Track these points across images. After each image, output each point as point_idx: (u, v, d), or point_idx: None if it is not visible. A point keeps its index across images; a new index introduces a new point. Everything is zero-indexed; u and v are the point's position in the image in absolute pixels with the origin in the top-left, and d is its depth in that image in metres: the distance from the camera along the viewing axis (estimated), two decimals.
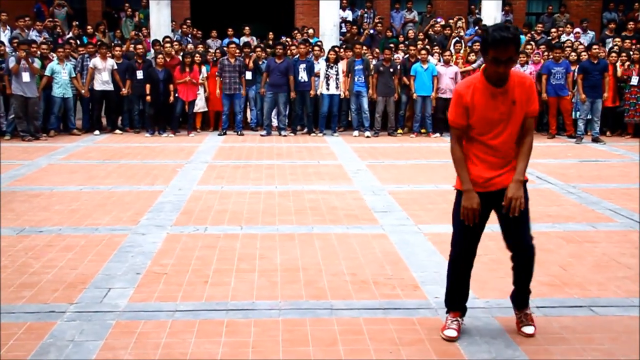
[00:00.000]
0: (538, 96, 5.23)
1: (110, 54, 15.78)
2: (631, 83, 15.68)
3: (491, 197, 4.63)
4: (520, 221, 4.64)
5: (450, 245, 4.82)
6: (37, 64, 14.55)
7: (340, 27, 21.26)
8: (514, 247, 4.75)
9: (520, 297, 4.87)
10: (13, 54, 14.51)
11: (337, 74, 15.94)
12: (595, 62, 15.47)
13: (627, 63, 15.94)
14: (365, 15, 22.60)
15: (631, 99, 15.74)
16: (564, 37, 19.45)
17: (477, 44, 17.46)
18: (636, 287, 5.85)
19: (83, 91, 15.47)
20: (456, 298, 4.80)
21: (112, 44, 16.83)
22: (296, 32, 19.89)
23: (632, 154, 13.43)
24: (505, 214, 4.60)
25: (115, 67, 15.63)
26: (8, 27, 18.48)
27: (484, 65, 4.60)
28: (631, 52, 16.19)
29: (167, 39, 16.79)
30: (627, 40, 17.87)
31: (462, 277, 4.79)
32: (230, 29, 19.22)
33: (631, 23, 21.13)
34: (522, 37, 16.51)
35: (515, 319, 4.91)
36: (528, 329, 4.79)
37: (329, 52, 16.27)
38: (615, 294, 5.71)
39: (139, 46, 16.04)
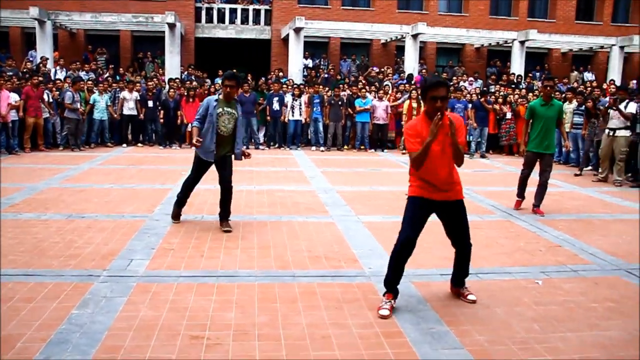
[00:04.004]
0: None
1: (135, 88, 15.66)
2: (506, 117, 15.96)
3: (435, 206, 4.58)
4: (463, 228, 4.68)
5: (396, 239, 4.68)
6: (81, 96, 14.65)
7: (303, 71, 21.30)
8: (458, 245, 4.76)
9: (460, 277, 4.86)
10: (69, 89, 14.43)
11: (300, 105, 15.99)
12: (484, 102, 15.77)
13: (505, 105, 16.24)
14: (321, 63, 22.66)
15: (506, 128, 16.02)
16: (462, 83, 19.69)
17: (402, 86, 17.63)
18: (507, 259, 5.95)
19: (115, 115, 15.38)
20: (393, 282, 4.62)
21: (135, 81, 16.72)
22: (274, 73, 19.85)
23: (508, 166, 13.62)
24: (453, 222, 4.65)
25: (138, 98, 15.54)
26: (64, 69, 18.31)
27: (424, 107, 4.53)
28: (507, 96, 16.51)
29: (174, 80, 16.90)
30: (503, 88, 18.24)
31: (401, 265, 4.61)
32: (220, 71, 19.22)
33: (505, 76, 21.54)
34: None
35: (451, 292, 4.91)
36: (472, 297, 4.76)
37: (294, 89, 16.32)
38: (494, 264, 5.79)
39: (150, 83, 15.99)
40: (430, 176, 4.49)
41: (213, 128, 6.61)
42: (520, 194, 8.50)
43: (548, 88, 8.14)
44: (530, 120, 8.27)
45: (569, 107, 13.60)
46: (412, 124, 4.58)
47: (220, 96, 6.75)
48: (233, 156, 6.88)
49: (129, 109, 15.41)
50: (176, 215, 7.10)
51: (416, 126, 4.51)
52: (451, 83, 19.39)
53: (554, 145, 8.37)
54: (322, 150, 15.84)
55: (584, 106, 13.32)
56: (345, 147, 16.41)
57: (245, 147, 15.17)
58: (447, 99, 4.42)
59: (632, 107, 11.27)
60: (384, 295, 4.64)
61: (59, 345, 3.76)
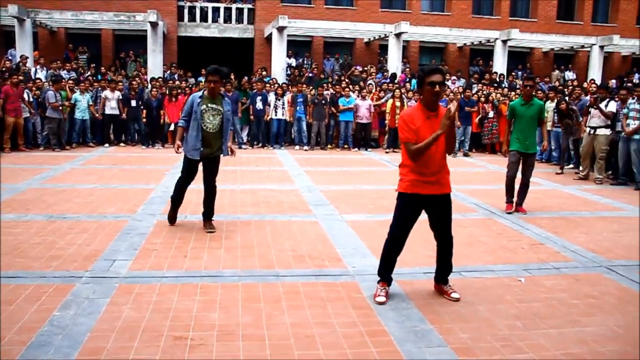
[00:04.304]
0: None
1: (117, 88, 15.53)
2: (488, 116, 16.07)
3: (425, 200, 4.61)
4: (447, 220, 4.73)
5: (388, 232, 4.76)
6: (62, 95, 14.46)
7: (287, 70, 21.27)
8: (441, 238, 4.80)
9: (444, 274, 4.89)
10: (50, 88, 14.28)
11: (283, 104, 15.97)
12: (467, 100, 15.86)
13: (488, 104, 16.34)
14: (305, 62, 22.64)
15: (488, 127, 16.13)
16: None
17: (385, 85, 17.67)
18: (490, 257, 5.99)
19: (97, 115, 15.25)
20: (386, 271, 4.76)
21: (117, 80, 16.59)
22: (257, 72, 19.79)
23: (490, 165, 13.72)
24: (437, 216, 4.70)
25: (120, 97, 15.42)
26: (45, 68, 18.12)
27: (419, 97, 4.63)
28: (490, 96, 16.62)
29: (156, 79, 16.78)
30: (486, 87, 18.37)
31: (393, 256, 4.74)
32: (203, 70, 19.12)
33: (487, 75, 21.68)
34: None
35: (435, 290, 4.93)
36: (455, 295, 4.78)
37: (277, 88, 16.31)
38: (477, 262, 5.83)
39: (134, 82, 15.87)
40: (425, 167, 4.52)
41: (198, 125, 6.54)
42: (509, 198, 8.36)
43: (528, 88, 8.14)
44: (512, 120, 8.30)
45: (551, 105, 13.72)
46: (408, 113, 4.60)
47: (205, 92, 6.66)
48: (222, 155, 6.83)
49: (111, 108, 15.29)
50: (171, 218, 6.97)
51: (412, 115, 4.55)
52: None
53: (536, 145, 8.36)
54: (306, 150, 15.83)
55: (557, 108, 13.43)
56: (329, 146, 16.41)
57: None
58: (444, 84, 4.50)
59: (612, 106, 11.42)
60: (378, 282, 4.78)
61: (40, 348, 3.72)
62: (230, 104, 6.86)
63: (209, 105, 6.60)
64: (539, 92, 15.89)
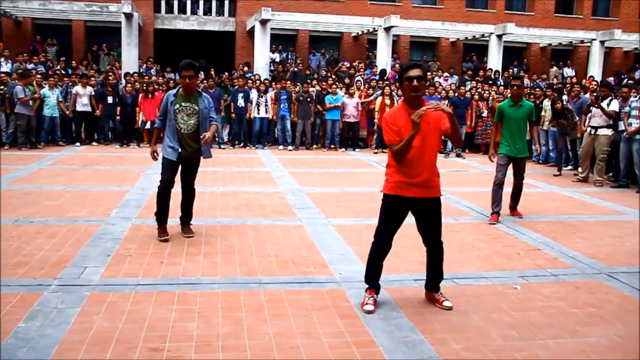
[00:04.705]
0: None
1: (89, 83, 15.42)
2: (482, 115, 16.17)
3: (412, 203, 4.63)
4: (436, 225, 4.75)
5: (373, 236, 4.80)
6: (30, 90, 14.29)
7: (270, 66, 21.26)
8: (430, 243, 4.82)
9: (435, 281, 4.90)
10: (17, 83, 14.11)
11: (266, 102, 15.97)
12: (462, 98, 15.97)
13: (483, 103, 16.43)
14: (289, 57, 22.65)
15: (482, 126, 16.24)
16: (436, 79, 19.85)
17: (374, 82, 17.72)
18: (484, 264, 6.02)
19: (67, 112, 15.14)
20: (374, 277, 4.78)
21: (90, 75, 16.47)
22: (239, 67, 19.75)
23: (484, 166, 13.80)
24: (424, 220, 4.72)
25: (93, 93, 15.32)
26: (10, 61, 17.94)
27: (403, 96, 4.66)
28: (483, 93, 16.72)
29: (130, 74, 16.69)
30: (480, 84, 18.49)
31: (380, 260, 4.77)
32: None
33: (481, 71, 21.81)
34: None
35: (426, 298, 4.94)
36: (447, 303, 4.79)
37: (260, 85, 16.29)
38: (470, 269, 5.85)
39: (111, 77, 15.77)
40: (411, 170, 4.53)
41: (172, 126, 6.43)
42: (495, 207, 8.01)
43: (515, 87, 8.01)
44: (500, 123, 8.12)
45: (548, 104, 13.80)
46: (390, 114, 4.65)
47: (180, 90, 6.52)
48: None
49: (83, 105, 15.19)
50: (161, 233, 6.53)
51: (394, 115, 4.59)
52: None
53: (526, 149, 8.16)
54: (290, 150, 15.83)
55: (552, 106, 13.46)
56: (315, 146, 16.42)
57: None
58: (424, 79, 4.51)
59: (615, 105, 11.45)
60: (365, 291, 4.79)
61: None
62: (209, 101, 6.67)
63: (183, 104, 6.43)
64: (537, 89, 16.04)
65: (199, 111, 6.50)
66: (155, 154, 6.72)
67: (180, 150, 6.45)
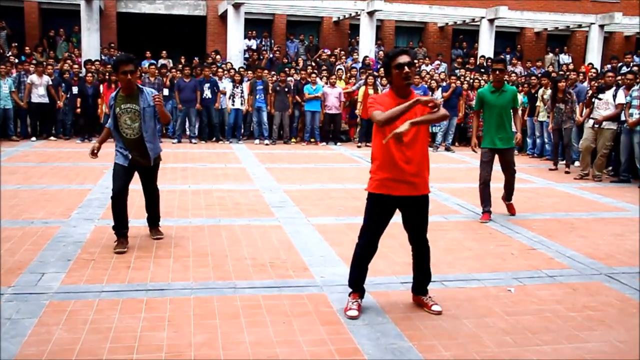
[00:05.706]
0: None
1: (45, 72, 15.26)
2: (473, 106, 16.22)
3: (398, 201, 4.64)
4: (422, 224, 4.79)
5: (357, 237, 4.82)
6: None
7: (245, 54, 21.19)
8: (416, 242, 4.84)
9: (423, 283, 4.92)
10: None
11: (241, 92, 15.93)
12: (455, 89, 16.04)
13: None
14: (265, 44, 22.59)
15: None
16: (423, 67, 19.91)
17: (354, 70, 17.74)
18: (475, 265, 6.06)
19: (22, 103, 14.94)
20: (358, 280, 4.79)
21: (45, 63, 16.28)
22: (212, 55, 19.63)
23: (475, 160, 13.83)
24: (410, 219, 4.75)
25: (50, 82, 15.17)
26: None
27: (389, 88, 4.67)
28: (473, 82, 16.82)
29: (91, 62, 16.50)
30: (470, 72, 18.59)
31: (365, 263, 4.79)
32: (148, 52, 19.00)
33: (472, 59, 21.93)
34: None
35: (413, 302, 4.95)
36: (437, 307, 4.81)
37: (234, 74, 16.23)
38: (460, 270, 5.89)
39: (75, 65, 15.60)
40: (398, 165, 4.52)
41: (119, 131, 6.18)
42: (486, 206, 8.01)
43: (498, 72, 7.85)
44: (481, 112, 8.07)
45: (547, 92, 13.79)
46: (378, 96, 4.72)
47: (120, 90, 6.17)
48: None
49: (39, 96, 15.04)
50: (118, 245, 6.17)
51: (383, 98, 4.62)
52: None
53: (511, 139, 7.99)
54: (267, 144, 15.82)
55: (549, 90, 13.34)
56: (293, 139, 16.43)
57: (177, 141, 15.24)
58: (414, 65, 4.55)
59: (621, 96, 11.38)
60: (349, 295, 4.80)
61: None
62: (150, 98, 6.16)
63: (123, 106, 6.12)
64: (532, 77, 16.12)
65: (140, 111, 6.15)
66: (94, 151, 6.43)
67: (130, 156, 6.21)
